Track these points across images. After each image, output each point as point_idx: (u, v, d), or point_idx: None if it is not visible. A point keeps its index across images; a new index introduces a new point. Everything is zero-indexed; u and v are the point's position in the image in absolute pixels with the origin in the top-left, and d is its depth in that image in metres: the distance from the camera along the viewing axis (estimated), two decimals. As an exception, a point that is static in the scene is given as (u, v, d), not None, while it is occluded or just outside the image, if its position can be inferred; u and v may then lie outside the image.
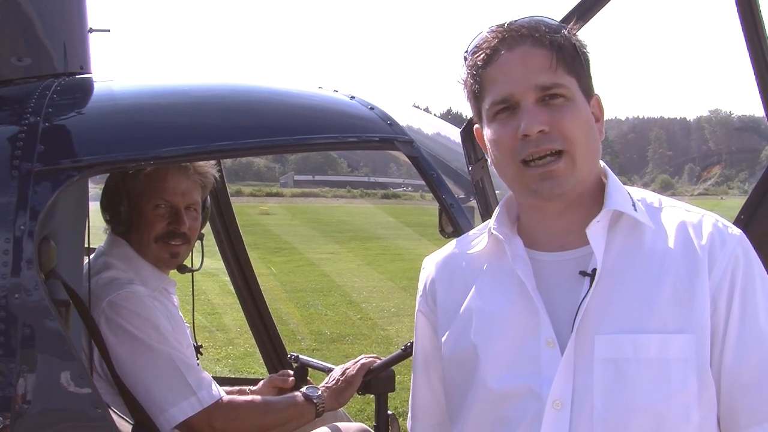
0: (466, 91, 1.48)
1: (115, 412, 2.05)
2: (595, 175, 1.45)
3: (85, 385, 1.67)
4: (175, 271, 2.63)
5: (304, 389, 2.48)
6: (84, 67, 2.32)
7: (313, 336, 9.09)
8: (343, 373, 2.53)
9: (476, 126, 1.52)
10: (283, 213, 36.85)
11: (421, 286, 1.63)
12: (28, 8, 2.24)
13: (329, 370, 3.33)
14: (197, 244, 2.63)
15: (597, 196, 1.44)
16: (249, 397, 2.48)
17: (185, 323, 2.67)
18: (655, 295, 1.35)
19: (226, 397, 2.25)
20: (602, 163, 1.48)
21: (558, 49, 1.38)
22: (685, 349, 1.33)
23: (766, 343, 1.36)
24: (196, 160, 2.41)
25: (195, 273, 2.74)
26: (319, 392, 2.45)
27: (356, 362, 2.55)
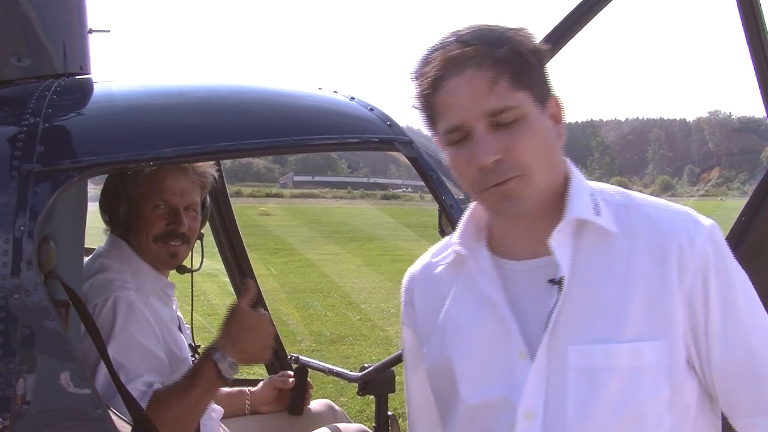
0: (419, 113, 1.43)
1: (114, 412, 2.05)
2: (559, 179, 1.41)
3: (84, 385, 1.67)
4: (175, 272, 2.63)
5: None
6: (84, 67, 2.32)
7: (313, 337, 9.09)
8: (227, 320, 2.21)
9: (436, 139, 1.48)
10: (282, 214, 36.87)
11: (402, 297, 1.63)
12: (28, 9, 2.24)
13: (329, 371, 3.33)
14: (197, 244, 2.63)
15: (563, 201, 1.41)
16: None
17: (185, 324, 2.67)
18: (625, 302, 1.34)
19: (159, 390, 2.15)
20: (567, 161, 1.45)
21: (504, 67, 1.32)
22: (656, 356, 1.33)
23: (749, 335, 1.37)
24: (196, 161, 2.41)
25: (195, 274, 2.73)
26: (218, 353, 2.14)
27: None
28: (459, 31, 1.37)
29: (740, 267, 1.41)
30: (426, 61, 1.37)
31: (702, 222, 1.38)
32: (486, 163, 1.31)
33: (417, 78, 1.39)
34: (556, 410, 1.34)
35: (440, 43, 1.37)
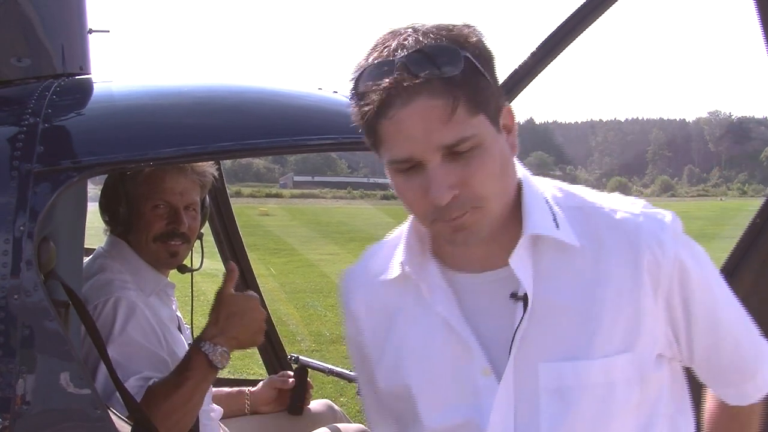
0: (360, 128, 1.27)
1: (114, 413, 2.05)
2: (512, 193, 1.31)
3: (84, 385, 1.67)
4: (175, 271, 2.63)
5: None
6: (83, 67, 2.32)
7: (313, 337, 9.09)
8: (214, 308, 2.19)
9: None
10: (282, 214, 36.90)
11: (344, 308, 1.51)
12: (27, 9, 2.24)
13: (329, 371, 3.33)
14: (197, 244, 2.63)
15: (517, 215, 1.32)
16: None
17: (185, 325, 2.67)
18: (595, 314, 1.28)
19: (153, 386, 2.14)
20: (517, 165, 1.34)
21: (460, 92, 1.17)
22: (628, 369, 1.29)
23: (732, 326, 1.38)
24: (196, 161, 2.41)
25: (195, 274, 2.73)
26: (207, 344, 2.13)
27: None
28: (402, 38, 1.20)
29: (705, 253, 1.39)
30: (368, 83, 1.20)
31: (665, 220, 1.33)
32: (443, 201, 1.20)
33: (357, 98, 1.22)
34: (528, 431, 1.29)
35: (383, 59, 1.20)
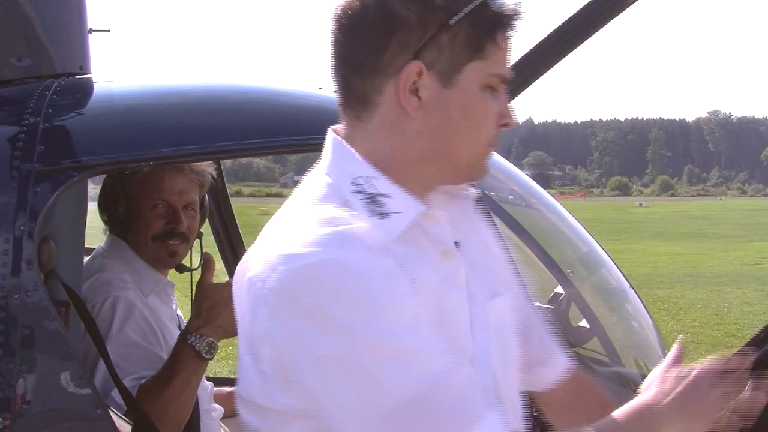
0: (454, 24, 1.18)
1: (114, 412, 2.05)
2: None
3: (84, 385, 1.67)
4: (174, 271, 2.63)
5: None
6: (84, 67, 2.32)
7: (313, 336, 9.05)
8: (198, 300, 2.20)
9: (416, 62, 1.19)
10: (282, 214, 36.74)
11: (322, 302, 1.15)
12: (28, 8, 2.24)
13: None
14: (196, 243, 2.63)
15: None
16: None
17: (186, 323, 2.67)
18: (496, 255, 1.43)
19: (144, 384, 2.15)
20: None
21: None
22: (518, 301, 1.44)
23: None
24: (196, 161, 2.41)
25: (194, 273, 2.73)
26: (193, 336, 2.14)
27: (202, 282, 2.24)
28: None
29: None
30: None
31: None
32: (516, 124, 1.30)
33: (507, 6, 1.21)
34: (498, 370, 1.31)
35: None
